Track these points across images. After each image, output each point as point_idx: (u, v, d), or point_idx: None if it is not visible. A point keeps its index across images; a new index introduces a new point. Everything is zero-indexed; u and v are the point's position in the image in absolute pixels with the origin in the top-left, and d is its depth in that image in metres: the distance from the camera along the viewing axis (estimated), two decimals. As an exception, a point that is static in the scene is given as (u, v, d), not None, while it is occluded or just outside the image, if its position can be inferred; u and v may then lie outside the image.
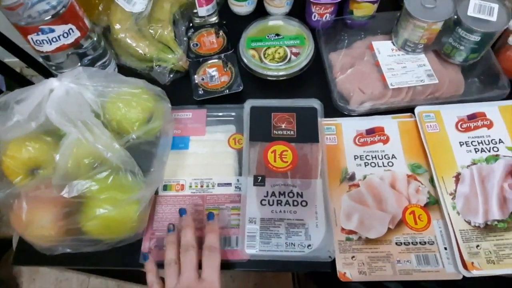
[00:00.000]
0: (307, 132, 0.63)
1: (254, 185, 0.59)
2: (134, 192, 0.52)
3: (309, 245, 0.54)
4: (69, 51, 0.62)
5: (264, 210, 0.57)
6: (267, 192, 0.58)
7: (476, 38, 0.62)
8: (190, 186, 0.63)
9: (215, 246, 0.51)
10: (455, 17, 0.63)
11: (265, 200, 0.58)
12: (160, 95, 0.62)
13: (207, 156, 0.65)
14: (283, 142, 0.62)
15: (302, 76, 0.70)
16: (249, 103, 0.67)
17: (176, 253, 0.52)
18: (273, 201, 0.58)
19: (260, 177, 0.59)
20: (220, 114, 0.69)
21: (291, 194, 0.58)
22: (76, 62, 0.64)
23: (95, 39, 0.65)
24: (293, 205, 0.58)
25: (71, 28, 0.60)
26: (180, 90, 0.72)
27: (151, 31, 0.71)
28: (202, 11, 0.75)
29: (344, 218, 0.58)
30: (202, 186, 0.62)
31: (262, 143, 0.63)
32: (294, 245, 0.55)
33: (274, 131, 0.63)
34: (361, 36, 0.76)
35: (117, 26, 0.69)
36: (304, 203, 0.58)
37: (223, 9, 0.83)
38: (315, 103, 0.66)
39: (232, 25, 0.78)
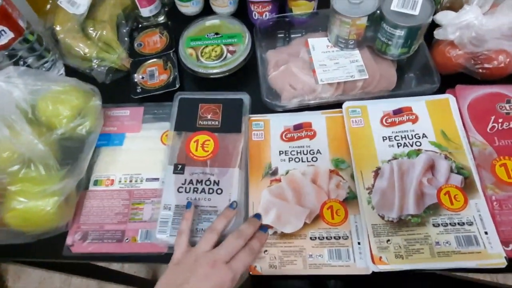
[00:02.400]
0: (231, 122, 0.64)
1: (173, 173, 0.60)
2: (48, 185, 0.54)
3: (218, 232, 0.55)
4: (5, 51, 0.64)
5: (180, 197, 0.58)
6: (185, 180, 0.60)
7: (401, 33, 0.62)
8: (120, 181, 0.64)
9: (257, 251, 0.53)
10: (379, 12, 0.62)
11: (182, 187, 0.59)
12: (92, 92, 0.65)
13: (139, 152, 0.67)
14: (206, 132, 0.64)
15: (239, 74, 0.71)
16: (178, 95, 0.68)
17: (223, 228, 0.54)
18: (189, 188, 0.59)
19: (180, 166, 0.61)
20: (157, 111, 0.71)
21: (208, 182, 0.59)
22: (13, 62, 0.66)
23: (33, 39, 0.68)
24: (209, 192, 0.59)
25: (3, 30, 0.63)
26: (122, 89, 0.74)
27: (93, 32, 0.73)
28: (145, 11, 0.77)
29: (262, 212, 0.59)
30: (131, 181, 0.64)
31: (187, 133, 0.64)
32: (202, 231, 0.56)
33: (200, 122, 0.65)
34: (302, 33, 0.77)
35: (58, 28, 0.71)
36: (219, 191, 0.59)
37: (172, 10, 0.85)
38: (243, 96, 0.67)
39: (179, 25, 0.80)
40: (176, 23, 0.81)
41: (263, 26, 0.76)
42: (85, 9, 0.72)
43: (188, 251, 0.51)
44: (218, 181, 0.60)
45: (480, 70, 0.65)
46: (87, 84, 0.66)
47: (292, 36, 0.77)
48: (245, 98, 0.67)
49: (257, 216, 0.57)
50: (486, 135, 0.61)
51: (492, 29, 0.59)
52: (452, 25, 0.60)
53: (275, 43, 0.76)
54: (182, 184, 0.60)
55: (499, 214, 0.55)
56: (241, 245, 0.52)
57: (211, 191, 0.59)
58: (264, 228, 0.56)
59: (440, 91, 0.66)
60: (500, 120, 0.62)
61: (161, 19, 0.82)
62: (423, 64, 0.68)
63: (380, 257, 0.53)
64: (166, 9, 0.85)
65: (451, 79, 0.67)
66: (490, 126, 0.61)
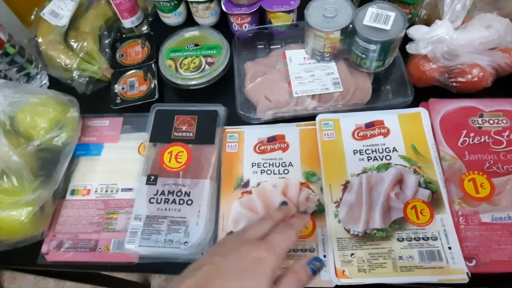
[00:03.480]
0: (205, 134, 0.65)
1: (146, 183, 0.62)
2: (21, 195, 0.56)
3: (186, 242, 0.56)
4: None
5: (151, 208, 0.60)
6: (157, 190, 0.61)
7: (373, 47, 0.63)
8: (96, 191, 0.66)
9: (296, 227, 0.47)
10: (351, 26, 0.63)
11: (154, 198, 0.60)
12: (69, 104, 0.66)
13: (116, 163, 0.68)
14: (180, 144, 0.65)
15: (218, 85, 0.72)
16: (155, 107, 0.69)
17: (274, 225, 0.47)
18: (161, 199, 0.60)
19: (153, 176, 0.62)
20: (136, 122, 0.72)
21: (179, 193, 0.61)
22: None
23: (14, 52, 0.69)
24: (179, 203, 0.60)
25: (-18, 44, 0.64)
26: (103, 99, 0.76)
27: (75, 43, 0.75)
28: (127, 23, 0.79)
29: (231, 224, 0.60)
30: (106, 191, 0.65)
31: (162, 144, 0.65)
32: (172, 242, 0.57)
33: (175, 133, 0.66)
34: (282, 44, 0.78)
35: (40, 40, 0.73)
36: (189, 202, 0.60)
37: (156, 20, 0.86)
38: (219, 108, 0.68)
39: (163, 36, 0.81)
40: (160, 33, 0.82)
41: (242, 38, 0.77)
42: (67, 21, 0.73)
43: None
44: (189, 192, 0.61)
45: (454, 84, 0.65)
46: (66, 95, 0.67)
47: (272, 47, 0.78)
48: (220, 110, 0.68)
49: (284, 203, 0.53)
50: (457, 149, 0.61)
51: (464, 44, 0.60)
52: (424, 39, 0.61)
53: (254, 54, 0.77)
54: (154, 195, 0.61)
55: (465, 230, 0.55)
56: (270, 225, 0.45)
57: (181, 202, 0.60)
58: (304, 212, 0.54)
59: (415, 104, 0.66)
60: (472, 135, 0.62)
61: (145, 29, 0.83)
62: (398, 77, 0.68)
63: (343, 271, 0.53)
64: (150, 19, 0.86)
65: (427, 92, 0.67)
66: (461, 140, 0.62)
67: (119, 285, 1.25)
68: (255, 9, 0.73)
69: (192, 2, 0.78)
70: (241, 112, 0.67)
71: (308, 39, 0.68)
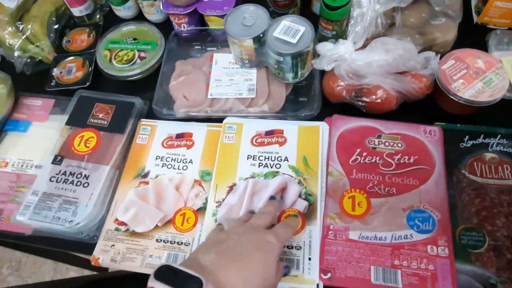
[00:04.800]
0: (118, 123, 0.69)
1: (52, 163, 0.66)
2: None
3: (71, 221, 0.60)
4: None
5: (50, 186, 0.64)
6: (60, 170, 0.65)
7: (281, 58, 0.65)
8: (13, 165, 0.71)
9: (292, 224, 0.56)
10: (262, 36, 0.65)
11: (55, 177, 0.65)
12: (1, 80, 0.71)
13: (38, 141, 0.73)
14: (93, 130, 0.69)
15: (150, 80, 0.76)
16: (79, 93, 0.73)
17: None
18: (61, 179, 0.64)
19: (59, 157, 0.66)
20: (65, 105, 0.76)
21: (79, 175, 0.65)
22: None
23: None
24: (76, 185, 0.64)
25: None
26: (43, 81, 0.80)
27: (22, 25, 0.80)
28: (75, 11, 0.84)
29: (122, 210, 0.63)
30: (22, 166, 0.70)
31: (76, 128, 0.69)
32: (59, 219, 0.61)
33: (91, 119, 0.70)
34: (218, 47, 0.81)
35: (-11, 19, 0.79)
36: (86, 184, 0.64)
37: (111, 12, 0.91)
38: (136, 101, 0.72)
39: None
40: (112, 25, 0.86)
41: (177, 37, 0.80)
42: (16, 3, 0.78)
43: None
44: (89, 175, 0.65)
45: (360, 103, 0.66)
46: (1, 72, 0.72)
47: (208, 49, 0.81)
48: (138, 102, 0.72)
49: (272, 197, 0.59)
50: (346, 166, 0.63)
51: (362, 65, 0.61)
52: (327, 56, 0.63)
53: (189, 54, 0.80)
54: (56, 174, 0.65)
55: (330, 244, 0.57)
56: (269, 219, 0.53)
57: (79, 183, 0.64)
58: (272, 197, 0.58)
59: (322, 118, 0.68)
60: (365, 154, 0.63)
61: (96, 19, 0.87)
62: (312, 91, 0.70)
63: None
64: (107, 9, 0.90)
65: (339, 108, 0.68)
66: (353, 158, 0.63)
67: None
68: (189, 11, 0.76)
69: (135, -3, 0.82)
70: (155, 107, 0.70)
71: (229, 44, 0.71)
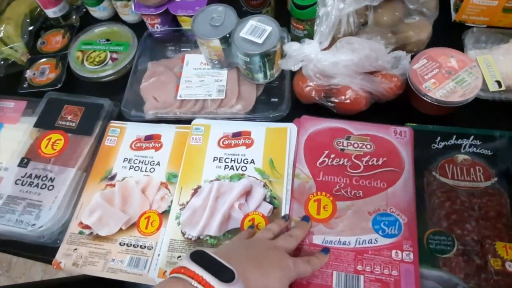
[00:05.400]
0: (86, 125, 0.69)
1: (18, 165, 0.66)
2: None
3: (34, 225, 0.60)
4: None
5: (15, 189, 0.63)
6: (26, 173, 0.65)
7: (246, 58, 0.64)
8: (-17, 168, 0.70)
9: (297, 236, 0.54)
10: (228, 36, 0.64)
11: (20, 180, 0.64)
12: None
13: (8, 143, 0.73)
14: (61, 132, 0.68)
15: (121, 80, 0.75)
16: (49, 95, 0.73)
17: (277, 231, 0.56)
18: (26, 181, 0.64)
19: (26, 160, 0.66)
20: (37, 107, 0.76)
21: (44, 178, 0.64)
22: None
23: None
24: (41, 188, 0.63)
25: None
26: (17, 82, 0.80)
27: (-2, 27, 0.80)
28: (50, 12, 0.83)
29: (87, 213, 0.63)
30: (-9, 168, 0.70)
31: (44, 130, 0.69)
32: (22, 222, 0.60)
33: (59, 121, 0.70)
34: (192, 48, 0.80)
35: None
36: (51, 187, 0.63)
37: (88, 13, 0.90)
38: (105, 102, 0.71)
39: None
40: (88, 26, 0.85)
41: (151, 38, 0.79)
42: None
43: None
44: (54, 178, 0.64)
45: (330, 104, 0.65)
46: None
47: (182, 50, 0.80)
48: (107, 104, 0.71)
49: (284, 217, 0.58)
50: (313, 168, 0.62)
51: (328, 65, 0.60)
52: (293, 56, 0.61)
53: (164, 54, 0.79)
54: (22, 177, 0.65)
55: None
56: (295, 245, 0.53)
57: (43, 186, 0.63)
58: (306, 217, 0.58)
59: (291, 119, 0.67)
60: (333, 156, 0.62)
61: (73, 20, 0.87)
62: (282, 91, 0.69)
63: (165, 272, 0.55)
64: (83, 10, 0.89)
65: (310, 109, 0.67)
66: (320, 160, 0.62)
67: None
68: (161, 11, 0.75)
69: (110, -1, 0.81)
70: (124, 109, 0.70)
71: (199, 45, 0.70)
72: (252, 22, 0.64)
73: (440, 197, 0.59)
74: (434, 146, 0.63)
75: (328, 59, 0.59)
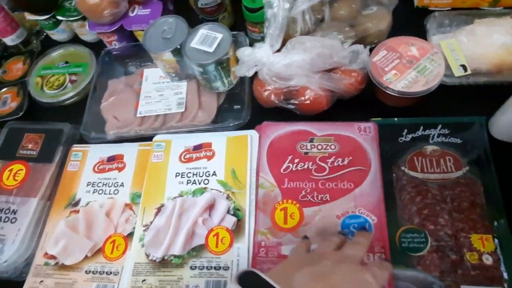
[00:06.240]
0: (47, 152, 0.67)
1: (-20, 200, 0.64)
2: None
3: (-3, 260, 0.58)
4: None
5: (-22, 225, 0.62)
6: (-13, 207, 0.63)
7: (200, 69, 0.62)
8: None
9: (363, 244, 0.46)
10: (180, 47, 0.63)
11: (-18, 216, 0.63)
12: None
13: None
14: (22, 162, 0.67)
15: (82, 103, 0.73)
16: (9, 124, 0.72)
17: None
18: (-11, 216, 0.62)
19: (-13, 193, 0.65)
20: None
21: (7, 211, 0.63)
22: None
23: None
24: (4, 221, 0.62)
25: None
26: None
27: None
28: (8, 40, 0.82)
29: (52, 243, 0.61)
30: None
31: (6, 161, 0.68)
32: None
33: (20, 151, 0.68)
34: (152, 62, 0.78)
35: None
36: (14, 220, 0.62)
37: (50, 37, 0.89)
38: (64, 126, 0.69)
39: (52, 52, 0.83)
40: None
41: (109, 55, 0.78)
42: None
43: None
44: (17, 210, 0.63)
45: (291, 106, 0.63)
46: None
47: (143, 64, 0.78)
48: (66, 128, 0.69)
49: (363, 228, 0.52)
50: (278, 176, 0.59)
51: (281, 67, 0.58)
52: (246, 62, 0.59)
53: (124, 71, 0.77)
54: (-17, 212, 0.63)
55: (262, 262, 0.54)
56: (364, 252, 0.46)
57: (6, 219, 0.62)
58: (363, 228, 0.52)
59: (253, 126, 0.65)
60: (297, 161, 0.60)
61: (34, 46, 0.86)
62: (242, 98, 0.67)
63: (131, 297, 0.54)
64: (44, 34, 0.88)
65: (275, 113, 0.65)
66: (284, 166, 0.60)
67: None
68: (116, 28, 0.74)
69: (66, 21, 0.79)
70: (83, 132, 0.68)
71: (153, 59, 0.68)
72: (203, 31, 0.62)
73: (410, 192, 0.57)
74: (401, 140, 0.60)
75: (280, 61, 0.57)
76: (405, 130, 0.60)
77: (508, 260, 0.49)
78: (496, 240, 0.51)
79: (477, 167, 0.56)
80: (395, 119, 0.61)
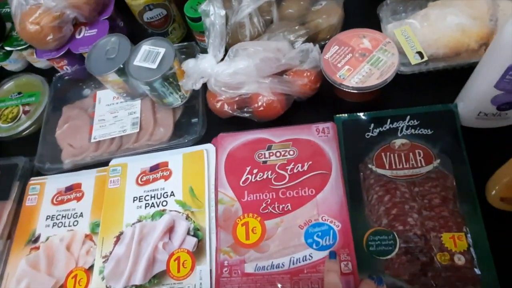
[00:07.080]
0: (2, 190, 0.65)
1: None
2: None
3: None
4: None
5: None
6: None
7: (147, 87, 0.59)
8: None
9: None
10: (123, 66, 0.60)
11: None
12: None
13: None
14: (-23, 203, 0.64)
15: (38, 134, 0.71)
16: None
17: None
18: None
19: None
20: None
21: (-35, 260, 0.60)
22: None
23: None
24: (-39, 269, 0.59)
25: None
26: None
27: None
28: (-42, 77, 0.79)
29: (14, 283, 0.59)
30: None
31: (-38, 207, 0.65)
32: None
33: (-25, 192, 0.66)
34: (106, 84, 0.75)
35: None
36: (-28, 268, 0.59)
37: (3, 69, 0.86)
38: (19, 160, 0.67)
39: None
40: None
41: (62, 81, 0.75)
42: None
43: None
44: (-25, 254, 0.60)
45: (246, 115, 0.60)
46: None
47: (97, 86, 0.75)
48: (21, 162, 0.67)
49: (331, 254, 0.50)
50: (237, 189, 0.57)
51: (227, 77, 0.55)
52: (191, 75, 0.57)
53: (79, 95, 0.75)
54: None
55: (225, 283, 0.51)
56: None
57: (-36, 266, 0.60)
58: (331, 255, 0.50)
59: (210, 140, 0.62)
60: (255, 171, 0.57)
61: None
62: (197, 111, 0.65)
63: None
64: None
65: (233, 123, 0.63)
66: (243, 178, 0.57)
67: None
68: (63, 52, 0.71)
69: (15, 50, 0.77)
70: (38, 164, 0.66)
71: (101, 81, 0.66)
72: (145, 47, 0.60)
73: (378, 192, 0.54)
74: (368, 135, 0.57)
75: (225, 70, 0.55)
76: (372, 125, 0.58)
77: (482, 259, 0.46)
78: (469, 238, 0.48)
79: (448, 157, 0.53)
80: (361, 114, 0.59)
